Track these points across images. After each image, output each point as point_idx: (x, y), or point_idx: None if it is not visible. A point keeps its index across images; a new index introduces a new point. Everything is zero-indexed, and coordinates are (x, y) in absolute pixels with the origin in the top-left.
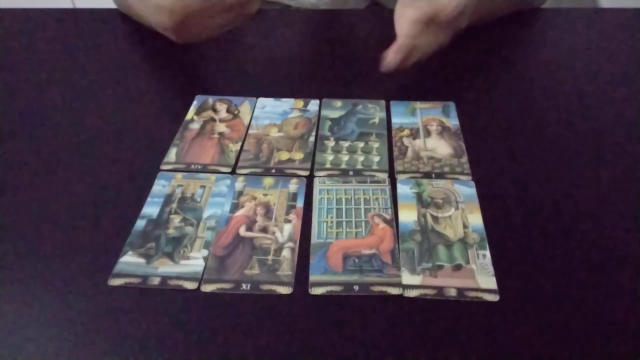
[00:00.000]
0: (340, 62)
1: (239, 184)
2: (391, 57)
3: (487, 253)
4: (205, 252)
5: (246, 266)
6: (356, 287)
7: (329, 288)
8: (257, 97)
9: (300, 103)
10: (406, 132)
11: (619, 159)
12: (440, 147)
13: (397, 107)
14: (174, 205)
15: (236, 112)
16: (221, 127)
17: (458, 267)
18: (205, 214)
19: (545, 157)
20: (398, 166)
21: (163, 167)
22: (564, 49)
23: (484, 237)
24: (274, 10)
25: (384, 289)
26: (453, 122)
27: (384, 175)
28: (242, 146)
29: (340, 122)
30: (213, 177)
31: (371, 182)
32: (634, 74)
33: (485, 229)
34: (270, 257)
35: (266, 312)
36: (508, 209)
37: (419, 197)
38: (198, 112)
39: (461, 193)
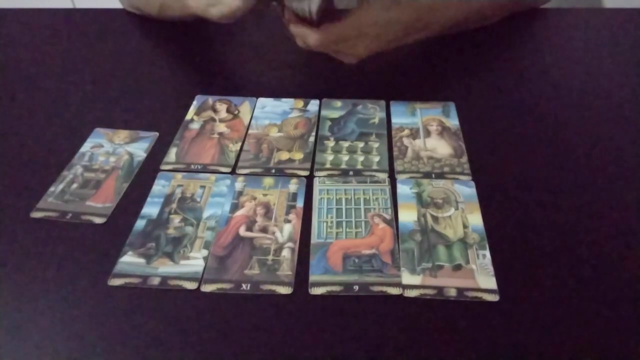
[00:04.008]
0: (340, 62)
1: (239, 184)
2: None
3: (487, 253)
4: (205, 252)
5: (246, 266)
6: (356, 287)
7: (329, 288)
8: (257, 97)
9: (300, 103)
10: (406, 132)
11: (619, 159)
12: (440, 147)
13: (397, 107)
14: (174, 205)
15: (236, 112)
16: (221, 127)
17: (458, 267)
18: (205, 214)
19: (545, 157)
20: (398, 166)
21: (163, 167)
22: (564, 49)
23: (484, 237)
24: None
25: (384, 289)
26: (453, 122)
27: (384, 175)
28: (242, 146)
29: (340, 122)
30: (213, 177)
31: (371, 182)
32: (635, 75)
33: (485, 229)
34: (270, 257)
35: (266, 312)
36: (508, 209)
37: (419, 197)
38: (198, 112)
39: (461, 193)
